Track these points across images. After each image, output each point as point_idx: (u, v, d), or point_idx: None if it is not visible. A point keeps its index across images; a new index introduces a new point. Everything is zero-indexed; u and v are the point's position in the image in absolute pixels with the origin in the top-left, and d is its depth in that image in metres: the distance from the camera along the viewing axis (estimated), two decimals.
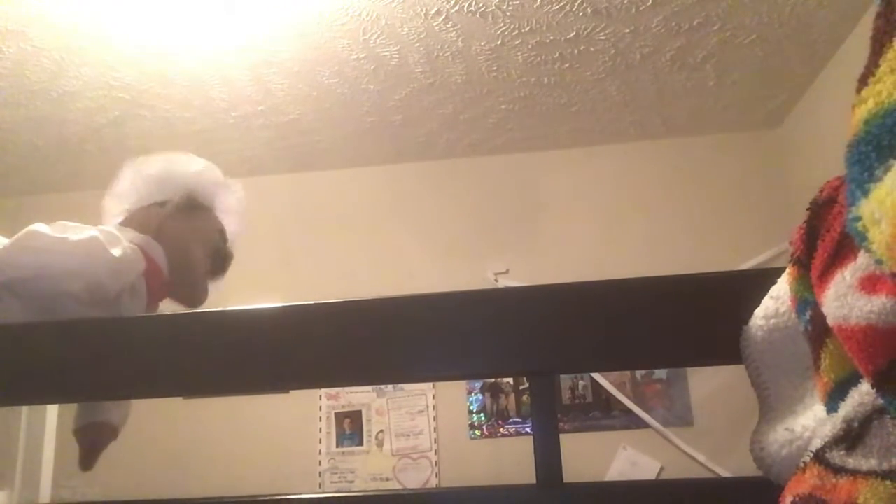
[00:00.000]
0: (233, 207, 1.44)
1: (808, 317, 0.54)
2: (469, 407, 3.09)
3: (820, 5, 2.31)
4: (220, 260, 1.40)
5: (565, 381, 3.05)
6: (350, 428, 3.12)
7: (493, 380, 3.06)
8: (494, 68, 2.61)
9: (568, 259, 3.12)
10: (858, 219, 0.42)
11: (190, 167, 1.38)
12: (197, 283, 1.34)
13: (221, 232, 1.41)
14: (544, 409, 0.76)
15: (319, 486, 3.04)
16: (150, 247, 1.24)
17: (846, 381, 0.50)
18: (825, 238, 0.52)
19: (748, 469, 0.66)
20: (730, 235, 3.06)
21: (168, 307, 1.35)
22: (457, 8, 2.26)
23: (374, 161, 3.36)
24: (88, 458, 1.33)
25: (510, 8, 2.26)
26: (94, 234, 1.11)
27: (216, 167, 1.41)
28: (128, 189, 1.35)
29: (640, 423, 2.96)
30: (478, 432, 3.06)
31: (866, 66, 0.46)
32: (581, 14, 2.31)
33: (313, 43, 2.43)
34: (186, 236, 1.32)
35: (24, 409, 2.29)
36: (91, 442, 1.34)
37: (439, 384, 3.05)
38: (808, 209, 0.56)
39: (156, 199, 1.34)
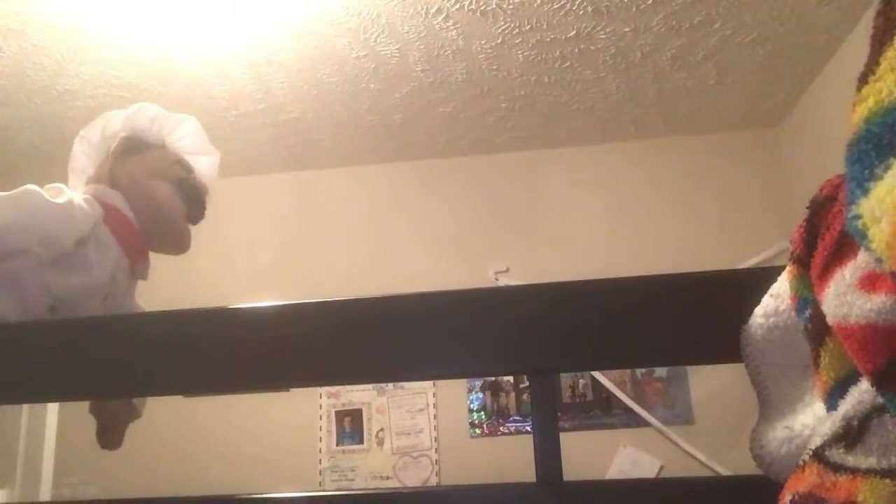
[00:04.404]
0: (189, 139, 1.30)
1: (807, 315, 0.54)
2: (469, 405, 3.09)
3: (820, 5, 2.31)
4: (189, 191, 1.25)
5: (565, 379, 3.05)
6: (350, 426, 3.12)
7: (493, 378, 3.06)
8: (495, 67, 2.61)
9: (568, 257, 3.13)
10: (858, 217, 0.42)
11: (125, 112, 1.29)
12: (172, 222, 1.23)
13: (181, 163, 1.27)
14: (544, 407, 0.76)
15: (320, 485, 3.04)
16: (103, 193, 1.17)
17: (846, 380, 0.50)
18: (825, 236, 0.52)
19: (748, 467, 0.66)
20: (730, 234, 3.06)
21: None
22: (457, 6, 2.26)
23: (374, 160, 3.36)
24: (103, 432, 1.25)
25: (510, 6, 2.26)
26: (29, 187, 1.05)
27: (156, 105, 1.30)
28: (83, 161, 1.29)
29: (640, 422, 2.96)
30: (478, 430, 3.06)
31: (866, 64, 0.46)
32: (581, 13, 2.31)
33: (314, 41, 2.43)
34: (138, 174, 1.21)
35: (24, 408, 2.29)
36: (99, 414, 1.26)
37: (440, 382, 3.05)
38: (807, 207, 0.56)
39: (104, 157, 1.28)
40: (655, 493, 0.78)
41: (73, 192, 1.12)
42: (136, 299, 1.28)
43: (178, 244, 1.26)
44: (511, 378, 3.06)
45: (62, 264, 1.06)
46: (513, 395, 3.07)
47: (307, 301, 0.75)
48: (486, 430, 3.06)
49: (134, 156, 1.25)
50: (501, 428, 3.05)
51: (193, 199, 1.26)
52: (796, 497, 0.50)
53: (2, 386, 0.79)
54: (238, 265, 3.27)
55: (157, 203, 1.21)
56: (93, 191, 1.17)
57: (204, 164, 1.32)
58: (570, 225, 3.22)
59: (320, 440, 3.11)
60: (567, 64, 2.61)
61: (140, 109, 1.29)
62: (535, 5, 2.26)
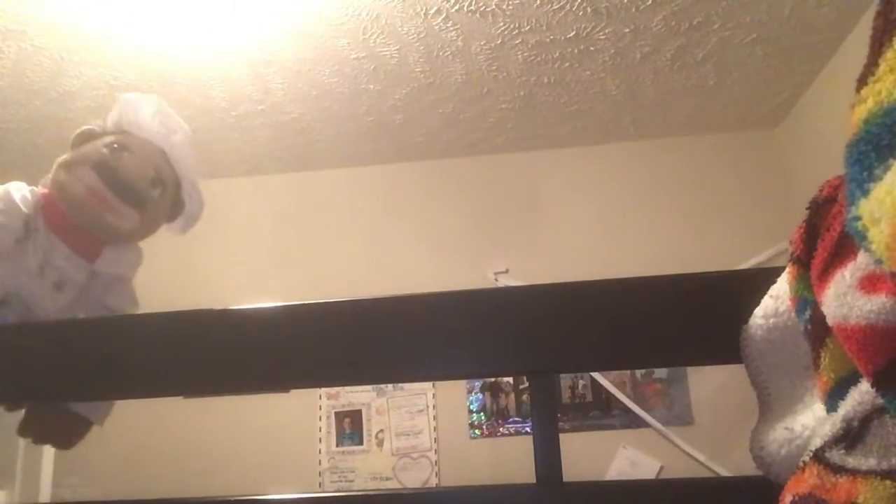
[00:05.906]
0: (152, 121, 1.21)
1: (807, 316, 0.54)
2: (469, 406, 3.09)
3: (820, 5, 2.31)
4: (107, 174, 1.14)
5: (565, 380, 3.05)
6: (350, 427, 3.12)
7: (492, 379, 3.06)
8: (494, 67, 2.61)
9: (568, 258, 3.13)
10: (858, 218, 0.42)
11: None
12: (81, 207, 1.14)
13: (111, 145, 1.17)
14: (544, 408, 0.76)
15: (319, 486, 3.04)
16: (44, 183, 1.18)
17: (846, 380, 0.50)
18: (825, 237, 0.52)
19: (748, 468, 0.66)
20: (729, 235, 3.06)
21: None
22: (456, 7, 2.26)
23: (373, 160, 3.36)
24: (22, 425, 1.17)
25: (510, 7, 2.26)
26: None
27: (136, 93, 1.25)
28: None
29: (639, 423, 2.96)
30: (478, 431, 3.06)
31: (866, 65, 0.46)
32: (581, 13, 2.31)
33: (313, 42, 2.43)
34: (54, 165, 1.17)
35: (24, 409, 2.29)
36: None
37: (439, 383, 3.05)
38: (807, 208, 0.56)
39: None
40: (655, 493, 0.78)
41: (15, 187, 1.13)
42: (120, 296, 1.23)
43: (102, 230, 1.17)
44: (511, 379, 3.06)
45: (14, 257, 1.08)
46: (512, 395, 3.07)
47: (307, 302, 0.75)
48: (485, 431, 3.06)
49: (75, 148, 1.21)
50: (501, 429, 3.05)
51: (111, 181, 1.15)
52: (796, 498, 0.50)
53: (2, 386, 0.79)
54: (237, 266, 3.27)
55: (60, 190, 1.16)
56: (42, 182, 1.18)
57: (174, 143, 1.25)
58: (570, 225, 3.22)
59: (320, 441, 3.11)
60: (567, 64, 2.61)
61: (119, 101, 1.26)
62: (535, 6, 2.26)
